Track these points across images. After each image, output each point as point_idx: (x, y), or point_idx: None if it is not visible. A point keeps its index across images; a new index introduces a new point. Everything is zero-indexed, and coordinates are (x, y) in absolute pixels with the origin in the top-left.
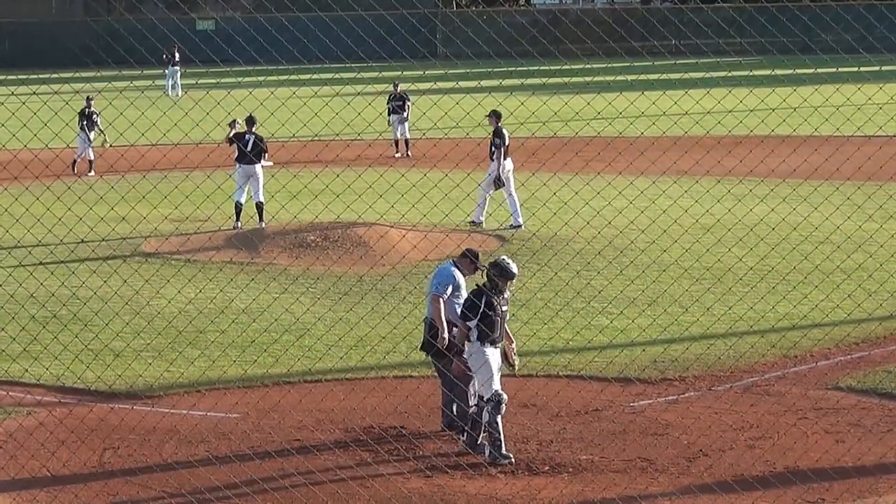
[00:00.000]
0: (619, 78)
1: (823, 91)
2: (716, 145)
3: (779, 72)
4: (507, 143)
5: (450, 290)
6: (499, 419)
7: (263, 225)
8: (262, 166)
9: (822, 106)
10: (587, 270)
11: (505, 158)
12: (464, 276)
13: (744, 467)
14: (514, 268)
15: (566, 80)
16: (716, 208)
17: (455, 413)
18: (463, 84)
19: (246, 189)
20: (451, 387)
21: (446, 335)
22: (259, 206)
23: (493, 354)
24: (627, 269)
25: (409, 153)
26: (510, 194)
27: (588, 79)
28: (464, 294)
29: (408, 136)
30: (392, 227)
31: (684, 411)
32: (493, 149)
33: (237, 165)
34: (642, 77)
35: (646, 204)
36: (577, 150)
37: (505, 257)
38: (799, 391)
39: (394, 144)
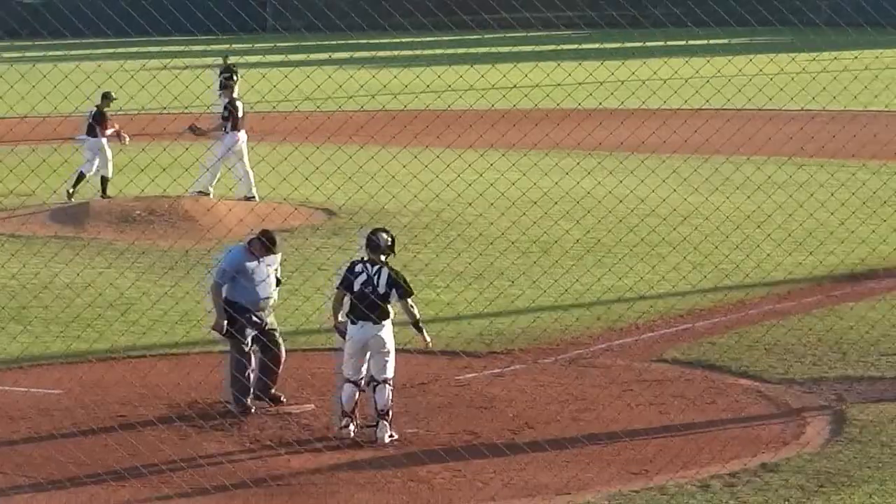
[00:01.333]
0: (449, 51)
1: (651, 64)
2: (544, 119)
3: (607, 45)
4: (239, 115)
5: (227, 275)
6: (343, 397)
7: (106, 198)
8: (107, 140)
9: (650, 79)
10: (414, 244)
11: (238, 130)
12: (257, 258)
13: (568, 439)
14: (379, 237)
15: (395, 53)
16: (543, 181)
17: (257, 387)
18: (292, 57)
19: (95, 163)
20: (234, 362)
21: (224, 322)
22: (104, 180)
23: (354, 333)
24: (455, 243)
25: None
26: (245, 167)
27: (417, 52)
28: (256, 276)
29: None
30: (219, 200)
31: (510, 384)
32: (223, 121)
33: (86, 139)
34: (472, 50)
35: (474, 177)
36: (405, 124)
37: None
38: (624, 363)
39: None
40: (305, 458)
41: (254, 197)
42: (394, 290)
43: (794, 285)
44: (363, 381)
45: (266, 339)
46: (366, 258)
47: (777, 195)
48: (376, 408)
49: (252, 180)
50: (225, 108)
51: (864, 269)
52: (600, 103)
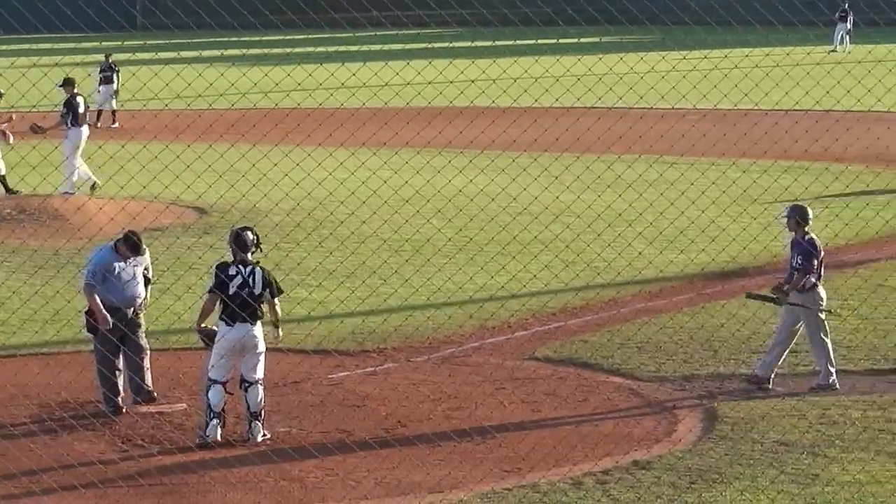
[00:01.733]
0: (320, 49)
1: (522, 63)
2: (416, 116)
3: (479, 43)
4: (79, 111)
5: (98, 276)
6: (212, 400)
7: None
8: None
9: (521, 77)
10: (286, 242)
11: (81, 125)
12: (124, 258)
13: (441, 437)
14: (246, 237)
15: (266, 51)
16: (415, 179)
17: (132, 386)
18: (162, 55)
19: None
20: (130, 359)
21: (109, 319)
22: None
23: (227, 333)
24: (326, 241)
25: (116, 123)
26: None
27: (288, 50)
28: (124, 276)
29: (115, 106)
30: (89, 199)
31: (382, 382)
32: (62, 118)
33: None
34: (343, 48)
35: (345, 175)
36: (276, 122)
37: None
38: (496, 361)
39: (96, 115)
40: (177, 457)
41: (72, 193)
42: (267, 290)
43: (666, 283)
44: (228, 383)
45: (134, 338)
46: (235, 259)
47: (648, 193)
48: (249, 409)
49: (75, 177)
50: (64, 104)
51: (735, 267)
52: (471, 101)
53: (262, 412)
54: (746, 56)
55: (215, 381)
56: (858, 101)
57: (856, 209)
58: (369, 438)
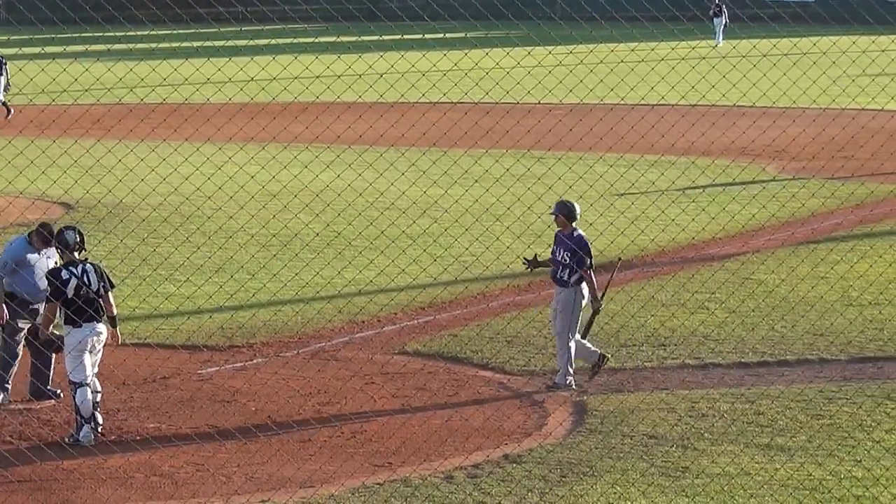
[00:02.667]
0: (185, 44)
1: (388, 58)
2: (282, 112)
3: (343, 38)
4: None
5: (7, 267)
6: (79, 402)
7: None
8: None
9: (388, 73)
10: (154, 238)
11: None
12: (37, 250)
13: (311, 432)
14: (69, 236)
15: (131, 46)
16: (282, 175)
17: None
18: (27, 50)
19: None
20: (37, 356)
21: (5, 312)
22: None
23: (77, 334)
24: (194, 236)
25: (10, 115)
26: None
27: (154, 45)
28: (37, 269)
29: (3, 99)
30: None
31: (252, 378)
32: None
33: None
34: (208, 44)
35: (212, 171)
36: (142, 117)
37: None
38: (365, 356)
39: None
40: (46, 454)
41: None
42: (102, 286)
43: (534, 277)
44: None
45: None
46: (64, 261)
47: (516, 188)
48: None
49: None
50: None
51: (603, 261)
52: (338, 97)
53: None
54: (612, 51)
55: (79, 384)
56: (723, 95)
57: (721, 203)
58: (240, 434)
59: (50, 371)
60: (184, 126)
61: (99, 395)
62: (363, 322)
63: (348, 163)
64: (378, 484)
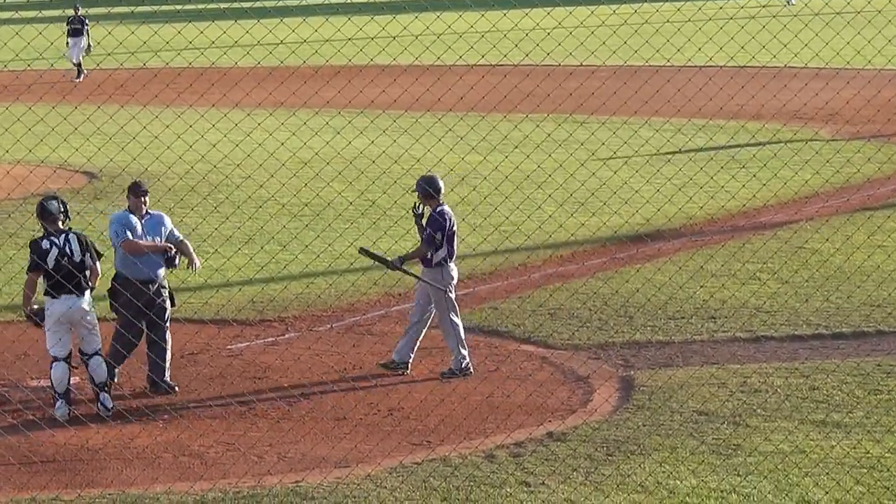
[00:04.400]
0: (212, 6)
1: (424, 18)
2: (313, 75)
3: None
4: None
5: (127, 232)
6: (53, 378)
7: None
8: None
9: (423, 34)
10: (180, 207)
11: None
12: (135, 212)
13: (346, 410)
14: (51, 206)
15: (155, 8)
16: (314, 141)
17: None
18: (46, 13)
19: None
20: (151, 347)
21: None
22: None
23: (52, 307)
24: (223, 206)
25: (81, 77)
26: None
27: (178, 7)
28: (143, 234)
29: (80, 59)
30: None
31: (284, 353)
32: None
33: None
34: (235, 5)
35: (241, 138)
36: (167, 82)
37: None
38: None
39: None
40: (70, 432)
41: None
42: (88, 256)
43: (578, 247)
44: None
45: (160, 322)
46: (47, 232)
47: (558, 154)
48: (94, 381)
49: None
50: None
51: (650, 230)
52: (371, 60)
53: (109, 382)
54: (657, 11)
55: (56, 358)
56: (774, 56)
57: (773, 168)
58: (272, 411)
59: (165, 363)
60: (211, 91)
61: (107, 372)
62: (399, 295)
63: (382, 128)
64: (416, 463)
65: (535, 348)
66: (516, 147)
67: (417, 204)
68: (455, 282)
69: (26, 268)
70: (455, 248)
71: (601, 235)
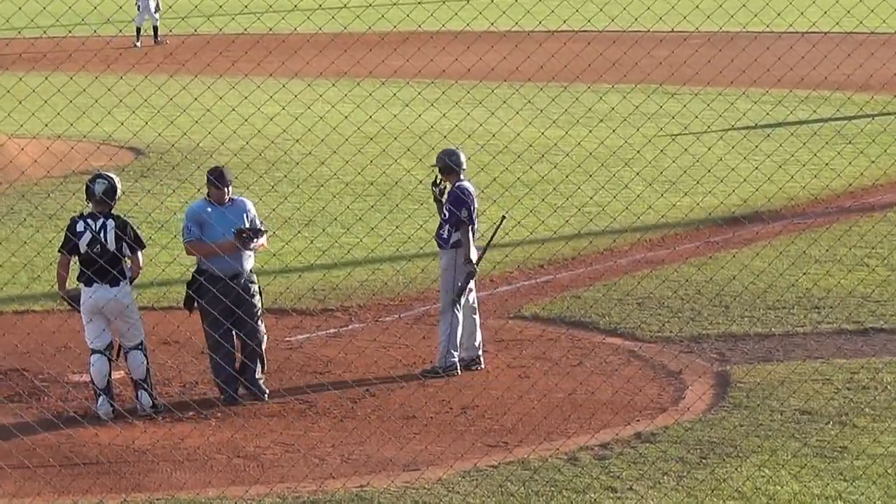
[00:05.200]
0: None
1: None
2: (380, 42)
3: None
4: None
5: (194, 230)
6: (91, 370)
7: None
8: None
9: None
10: (234, 186)
11: None
12: (218, 204)
13: (416, 407)
14: (94, 186)
15: None
16: (380, 114)
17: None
18: None
19: None
20: (242, 349)
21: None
22: None
23: (86, 298)
24: (281, 185)
25: (159, 38)
26: None
27: None
28: (216, 226)
29: (156, 22)
30: (9, 138)
31: (347, 345)
32: None
33: None
34: None
35: (301, 110)
36: (220, 50)
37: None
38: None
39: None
40: (115, 432)
41: None
42: (124, 245)
43: (669, 230)
44: (114, 351)
45: (249, 321)
46: (86, 212)
47: (647, 128)
48: (132, 377)
49: None
50: None
51: (747, 211)
52: (443, 25)
53: (149, 379)
54: None
55: (94, 350)
56: (884, 21)
57: (882, 144)
58: (334, 409)
59: (256, 365)
60: (268, 59)
61: (144, 366)
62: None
63: (455, 100)
64: (492, 466)
65: (621, 341)
66: (601, 121)
67: (439, 179)
68: (474, 266)
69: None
70: (475, 227)
71: (694, 217)
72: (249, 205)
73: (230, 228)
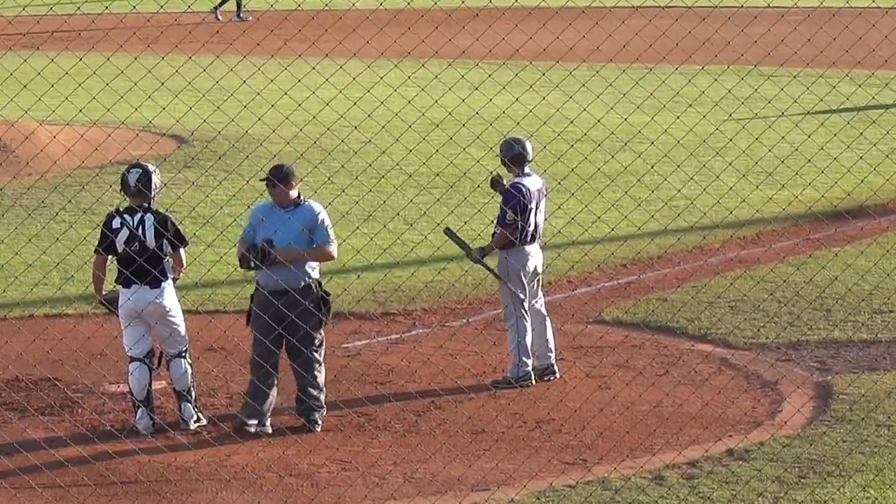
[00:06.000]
0: None
1: None
2: (447, 19)
3: None
4: None
5: (248, 232)
6: (129, 380)
7: None
8: None
9: None
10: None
11: None
12: (281, 207)
13: (485, 421)
14: (129, 176)
15: None
16: (447, 98)
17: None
18: None
19: None
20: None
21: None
22: None
23: (124, 300)
24: (337, 176)
25: (242, 15)
26: None
27: None
28: (275, 232)
29: None
30: (40, 125)
31: (410, 353)
32: None
33: None
34: None
35: (359, 94)
36: (272, 28)
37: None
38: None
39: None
40: (156, 447)
41: None
42: (164, 242)
43: (764, 226)
44: (156, 358)
45: (300, 346)
46: (123, 207)
47: (740, 113)
48: (174, 388)
49: None
50: None
51: (851, 205)
52: (516, 1)
53: (192, 391)
54: None
55: (132, 359)
56: None
57: None
58: (396, 423)
59: (317, 390)
60: (324, 38)
61: (187, 376)
62: (549, 283)
63: (529, 83)
64: (569, 486)
65: (712, 348)
66: (690, 105)
67: (494, 173)
68: (529, 268)
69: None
70: (535, 226)
71: (792, 212)
72: (319, 210)
73: (294, 236)
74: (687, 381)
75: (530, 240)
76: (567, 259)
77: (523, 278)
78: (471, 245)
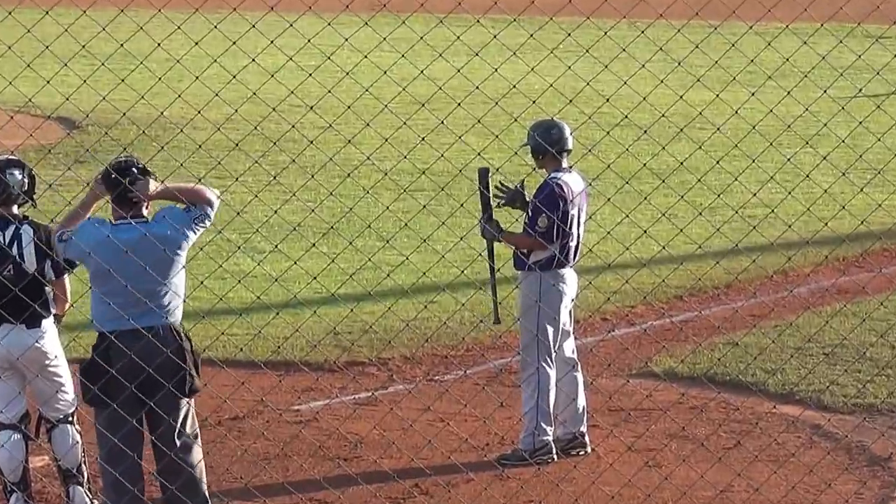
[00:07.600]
0: None
1: None
2: None
3: None
4: None
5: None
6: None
7: None
8: None
9: None
10: (216, 176)
11: None
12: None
13: None
14: (10, 176)
15: None
16: (436, 68)
17: None
18: None
19: None
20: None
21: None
22: None
23: None
24: (286, 174)
25: None
26: None
27: None
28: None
29: None
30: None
31: (386, 418)
32: None
33: None
34: None
35: (316, 62)
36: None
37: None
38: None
39: None
40: None
41: None
42: (48, 265)
43: (871, 243)
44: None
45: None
46: None
47: (839, 89)
48: (60, 464)
49: None
50: None
51: None
52: None
53: (84, 470)
54: None
55: (3, 426)
56: None
57: None
58: None
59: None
60: None
61: (77, 449)
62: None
63: (549, 47)
64: None
65: (800, 410)
66: (769, 77)
67: (515, 184)
68: (565, 301)
69: None
70: (577, 242)
71: None
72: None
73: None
74: (766, 457)
75: (569, 260)
76: (602, 288)
77: (556, 314)
78: (500, 223)
